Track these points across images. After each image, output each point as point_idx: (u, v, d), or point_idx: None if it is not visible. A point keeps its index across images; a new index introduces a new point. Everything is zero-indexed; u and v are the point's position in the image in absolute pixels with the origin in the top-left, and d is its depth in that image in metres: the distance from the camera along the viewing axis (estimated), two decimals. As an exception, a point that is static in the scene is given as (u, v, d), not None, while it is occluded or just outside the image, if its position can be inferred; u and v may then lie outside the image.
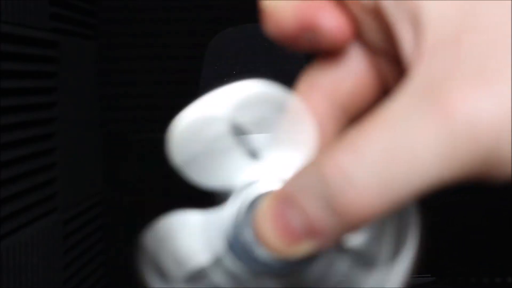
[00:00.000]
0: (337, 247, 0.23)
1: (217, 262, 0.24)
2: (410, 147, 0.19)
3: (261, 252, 0.23)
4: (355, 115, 0.24)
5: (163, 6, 1.50)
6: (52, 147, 1.18)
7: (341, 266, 0.24)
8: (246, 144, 0.24)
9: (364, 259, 0.23)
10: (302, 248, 0.21)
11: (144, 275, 0.24)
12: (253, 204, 0.23)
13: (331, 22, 0.22)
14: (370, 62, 0.23)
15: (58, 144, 1.19)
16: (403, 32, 0.21)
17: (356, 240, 0.23)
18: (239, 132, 0.24)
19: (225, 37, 0.62)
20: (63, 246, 1.22)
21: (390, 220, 0.23)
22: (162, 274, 0.24)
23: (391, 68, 0.23)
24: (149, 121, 1.50)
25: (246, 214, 0.23)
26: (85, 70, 1.41)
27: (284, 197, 0.21)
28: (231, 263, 0.23)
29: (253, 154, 0.24)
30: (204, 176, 0.24)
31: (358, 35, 0.23)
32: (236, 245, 0.23)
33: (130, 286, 1.67)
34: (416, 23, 0.20)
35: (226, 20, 1.47)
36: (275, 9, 0.22)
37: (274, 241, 0.22)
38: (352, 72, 0.23)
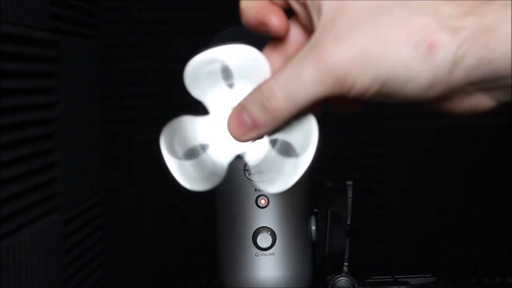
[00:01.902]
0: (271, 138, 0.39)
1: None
2: (299, 76, 0.36)
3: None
4: None
5: (163, 6, 1.51)
6: (52, 147, 1.18)
7: (271, 151, 0.39)
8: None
9: (284, 149, 0.39)
10: (251, 135, 0.38)
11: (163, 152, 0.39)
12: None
13: (275, 21, 0.38)
14: (305, 36, 0.39)
15: (58, 144, 1.20)
16: (314, 17, 0.37)
17: (280, 136, 0.39)
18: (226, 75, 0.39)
19: (225, 37, 0.62)
20: (63, 246, 1.22)
21: (299, 126, 0.38)
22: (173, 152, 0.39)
23: None
24: (149, 121, 1.50)
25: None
26: (85, 70, 1.41)
27: (240, 106, 0.38)
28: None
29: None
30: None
31: (298, 20, 0.39)
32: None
33: (130, 286, 1.66)
34: (319, 12, 0.36)
35: (226, 20, 1.47)
36: (244, 10, 0.39)
37: (236, 132, 0.38)
38: (294, 43, 0.40)
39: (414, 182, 1.54)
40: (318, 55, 0.35)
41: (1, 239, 0.97)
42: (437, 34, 0.34)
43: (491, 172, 1.53)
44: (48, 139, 1.17)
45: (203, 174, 0.39)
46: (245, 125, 0.38)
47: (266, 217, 0.64)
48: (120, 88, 1.52)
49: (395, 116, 1.52)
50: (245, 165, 0.60)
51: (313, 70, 0.35)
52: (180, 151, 0.39)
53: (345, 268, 0.70)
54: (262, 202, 0.64)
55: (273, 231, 0.63)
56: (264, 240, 0.63)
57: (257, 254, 0.63)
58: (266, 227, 0.64)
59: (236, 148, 0.39)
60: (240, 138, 0.38)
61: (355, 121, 1.52)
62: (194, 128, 0.39)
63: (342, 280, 0.70)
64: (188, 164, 0.39)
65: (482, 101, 0.36)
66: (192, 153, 0.39)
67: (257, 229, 0.63)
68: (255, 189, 0.64)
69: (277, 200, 0.64)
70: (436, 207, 1.54)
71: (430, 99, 0.36)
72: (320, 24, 0.36)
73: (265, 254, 0.63)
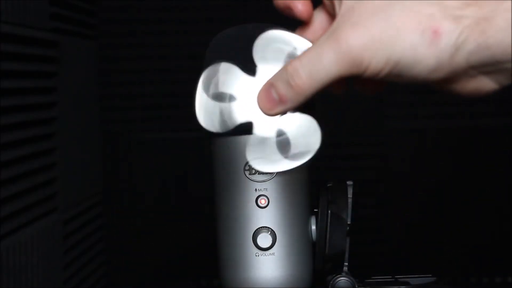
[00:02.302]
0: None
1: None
2: (321, 58, 0.40)
3: None
4: None
5: (163, 6, 1.51)
6: (52, 147, 1.18)
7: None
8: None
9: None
10: (278, 110, 0.43)
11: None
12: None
13: (300, 6, 0.44)
14: (330, 22, 0.43)
15: (58, 144, 1.20)
16: (336, 6, 0.42)
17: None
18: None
19: (225, 37, 0.62)
20: (63, 246, 1.22)
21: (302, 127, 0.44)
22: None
23: None
24: (149, 121, 1.50)
25: None
26: (85, 70, 1.41)
27: (269, 84, 0.43)
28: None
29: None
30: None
31: (325, 8, 0.45)
32: None
33: (130, 286, 1.66)
34: (340, 1, 0.41)
35: (226, 20, 1.47)
36: None
37: (265, 106, 0.43)
38: (320, 28, 0.45)
39: (414, 182, 1.54)
40: (337, 39, 0.40)
41: (1, 239, 0.97)
42: (441, 22, 0.38)
43: (491, 172, 1.53)
44: (48, 139, 1.17)
45: (219, 119, 0.45)
46: (272, 100, 0.43)
47: (266, 217, 0.64)
48: (120, 88, 1.52)
49: (395, 116, 1.52)
50: (245, 164, 0.60)
51: (333, 52, 0.40)
52: (212, 90, 0.45)
53: (345, 268, 0.70)
54: (262, 202, 0.63)
55: (273, 231, 0.63)
56: (264, 240, 0.63)
57: (257, 254, 0.63)
58: (266, 227, 0.63)
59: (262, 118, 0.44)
60: (268, 112, 0.43)
61: (355, 121, 1.52)
62: (234, 78, 0.45)
63: (342, 280, 0.70)
64: (212, 103, 0.45)
65: (485, 83, 0.40)
66: (220, 97, 0.45)
67: (257, 229, 0.63)
68: (255, 189, 0.64)
69: (277, 200, 0.64)
70: (436, 207, 1.54)
71: (436, 80, 0.40)
72: (341, 12, 0.41)
73: (265, 254, 0.63)
